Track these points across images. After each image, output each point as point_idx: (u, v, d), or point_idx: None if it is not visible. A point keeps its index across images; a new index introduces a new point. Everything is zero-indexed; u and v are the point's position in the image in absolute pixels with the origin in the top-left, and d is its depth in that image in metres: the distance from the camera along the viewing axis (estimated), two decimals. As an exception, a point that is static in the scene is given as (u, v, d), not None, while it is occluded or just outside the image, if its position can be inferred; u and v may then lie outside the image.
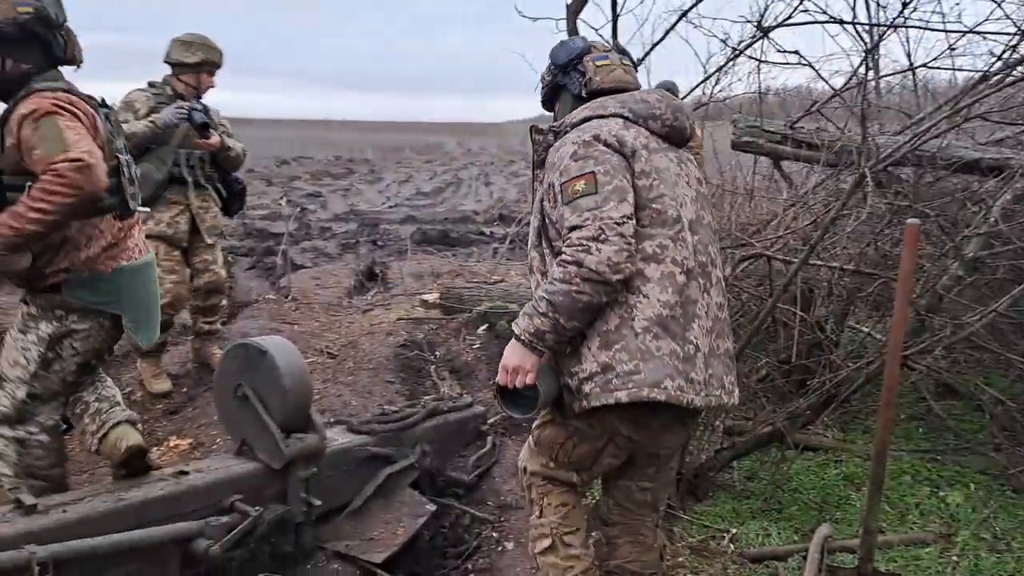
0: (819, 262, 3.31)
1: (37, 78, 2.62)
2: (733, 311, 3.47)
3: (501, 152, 31.82)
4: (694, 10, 3.35)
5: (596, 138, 2.13)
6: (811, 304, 3.51)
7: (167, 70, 4.26)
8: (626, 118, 2.20)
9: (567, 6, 3.32)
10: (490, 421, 3.88)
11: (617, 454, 2.24)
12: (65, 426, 3.08)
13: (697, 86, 3.95)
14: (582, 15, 3.39)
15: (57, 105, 2.52)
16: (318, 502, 2.92)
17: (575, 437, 2.23)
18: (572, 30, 3.30)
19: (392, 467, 3.29)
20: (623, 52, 2.44)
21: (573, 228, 2.03)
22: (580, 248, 1.99)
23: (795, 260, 2.97)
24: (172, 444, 3.86)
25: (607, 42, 2.65)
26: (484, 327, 4.77)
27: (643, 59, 3.43)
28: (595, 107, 2.24)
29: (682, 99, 5.20)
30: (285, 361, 2.91)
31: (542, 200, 2.22)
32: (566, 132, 2.23)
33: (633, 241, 2.02)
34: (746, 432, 3.38)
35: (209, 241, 4.45)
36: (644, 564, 2.38)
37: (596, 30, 3.41)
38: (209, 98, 4.33)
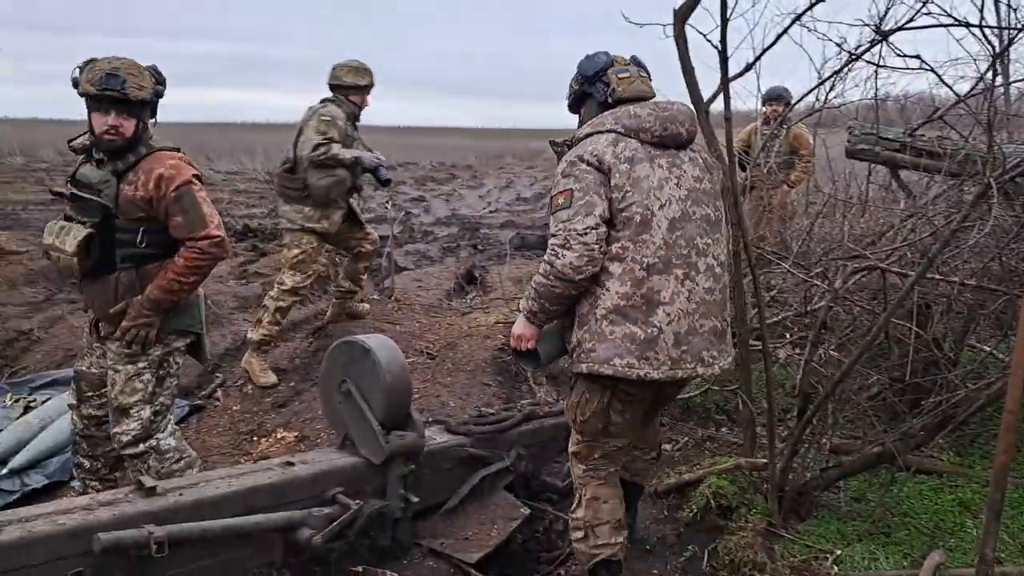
0: (938, 276, 3.14)
1: (145, 135, 3.00)
2: (843, 325, 3.34)
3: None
4: (808, 13, 3.23)
5: (580, 159, 2.53)
6: (928, 320, 3.33)
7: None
8: (618, 132, 2.56)
9: (674, 11, 3.27)
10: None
11: (622, 410, 2.67)
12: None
13: (810, 92, 3.81)
14: (690, 19, 3.33)
15: (194, 175, 2.98)
16: (415, 499, 2.97)
17: (585, 394, 2.67)
18: (680, 35, 3.25)
19: (488, 469, 3.32)
20: (640, 65, 2.77)
21: (552, 236, 2.52)
22: (552, 252, 2.49)
23: (912, 273, 2.82)
24: (279, 436, 4.02)
25: (630, 56, 2.82)
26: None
27: (753, 64, 3.33)
28: (596, 124, 2.63)
29: (794, 104, 5.05)
30: (387, 359, 2.99)
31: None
32: (574, 145, 2.64)
33: (596, 247, 2.45)
34: (854, 451, 3.24)
35: (363, 221, 5.33)
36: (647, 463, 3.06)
37: (704, 35, 3.35)
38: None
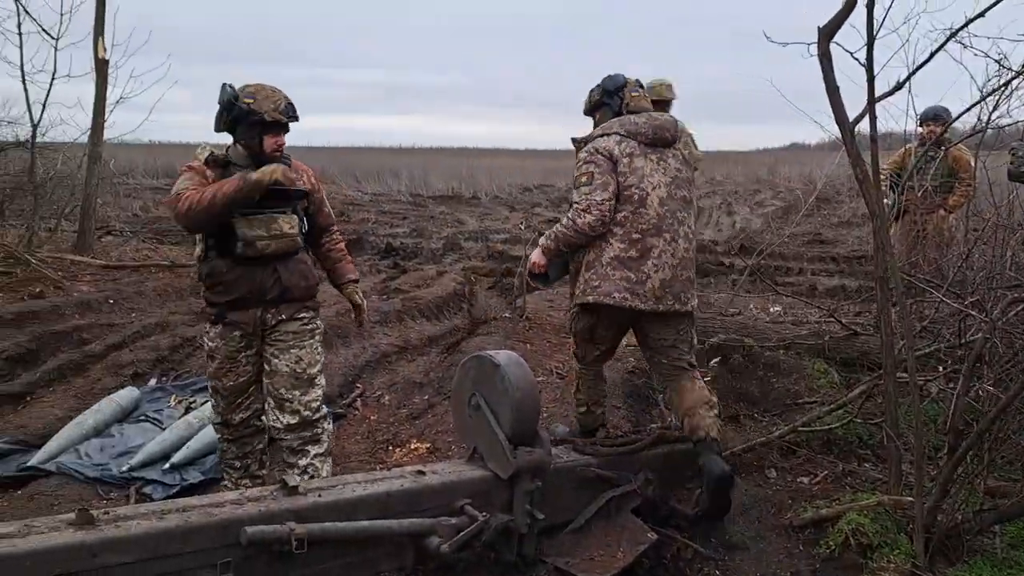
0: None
1: None
2: (1001, 359, 3.10)
3: (747, 181, 30.76)
4: (966, 29, 3.05)
5: (596, 150, 3.52)
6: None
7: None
8: (621, 135, 3.53)
9: (819, 29, 3.18)
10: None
11: (607, 328, 3.68)
12: None
13: (967, 111, 3.59)
14: (836, 37, 3.22)
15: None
16: (541, 515, 2.99)
17: (579, 316, 3.71)
18: (824, 53, 3.16)
19: (615, 490, 3.30)
20: (642, 86, 3.78)
21: (575, 203, 3.52)
22: (576, 213, 3.47)
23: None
24: (412, 446, 4.15)
25: (635, 79, 3.76)
26: (716, 359, 4.64)
27: (904, 83, 3.18)
28: (605, 127, 3.58)
29: (949, 124, 4.77)
30: (516, 375, 3.04)
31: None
32: (589, 142, 3.59)
33: (608, 214, 3.44)
34: (1012, 494, 3.00)
35: None
36: (693, 400, 3.53)
37: (851, 53, 3.23)
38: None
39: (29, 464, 3.95)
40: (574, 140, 3.72)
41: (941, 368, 3.93)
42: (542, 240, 3.68)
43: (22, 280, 7.15)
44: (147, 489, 3.79)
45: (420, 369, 5.26)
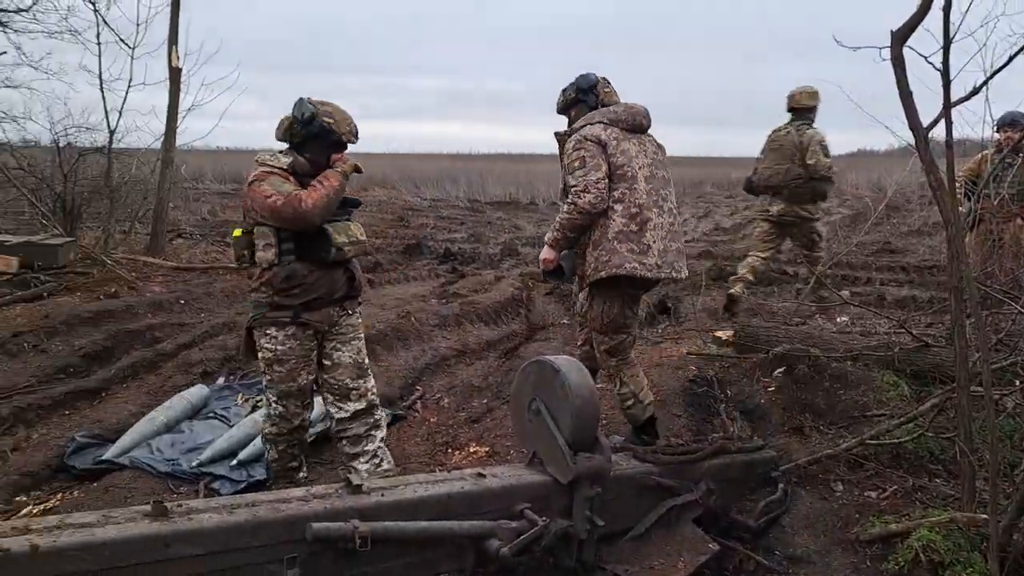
0: None
1: None
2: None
3: (809, 189, 30.21)
4: (1050, 31, 2.94)
5: (585, 138, 3.80)
6: None
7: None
8: (604, 123, 3.86)
9: (892, 33, 3.10)
10: (783, 468, 3.69)
11: (631, 306, 3.98)
12: None
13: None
14: (909, 41, 3.14)
15: None
16: (601, 522, 2.98)
17: (606, 303, 3.90)
18: (897, 57, 3.08)
19: (675, 499, 3.26)
20: (609, 83, 4.07)
21: (573, 185, 3.75)
22: (576, 196, 3.72)
23: None
24: (471, 450, 4.18)
25: (601, 76, 4.08)
26: (781, 369, 4.56)
27: (980, 88, 3.08)
28: (587, 119, 3.92)
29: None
30: (576, 381, 3.03)
31: (564, 172, 3.93)
32: (572, 134, 3.89)
33: (604, 192, 3.72)
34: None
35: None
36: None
37: (925, 57, 3.15)
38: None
39: (104, 457, 4.10)
40: (557, 134, 4.06)
41: (1018, 382, 3.78)
42: (548, 236, 3.91)
43: (98, 280, 7.44)
44: (215, 484, 3.90)
45: (479, 373, 5.29)
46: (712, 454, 3.46)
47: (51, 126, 9.50)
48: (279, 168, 3.37)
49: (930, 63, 3.08)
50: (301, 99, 3.38)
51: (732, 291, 6.80)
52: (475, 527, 2.76)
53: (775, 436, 4.12)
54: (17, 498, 3.83)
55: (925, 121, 3.11)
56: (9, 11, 8.28)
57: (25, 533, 2.16)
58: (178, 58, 9.11)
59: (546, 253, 3.92)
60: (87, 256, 8.13)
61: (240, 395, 4.96)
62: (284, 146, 3.50)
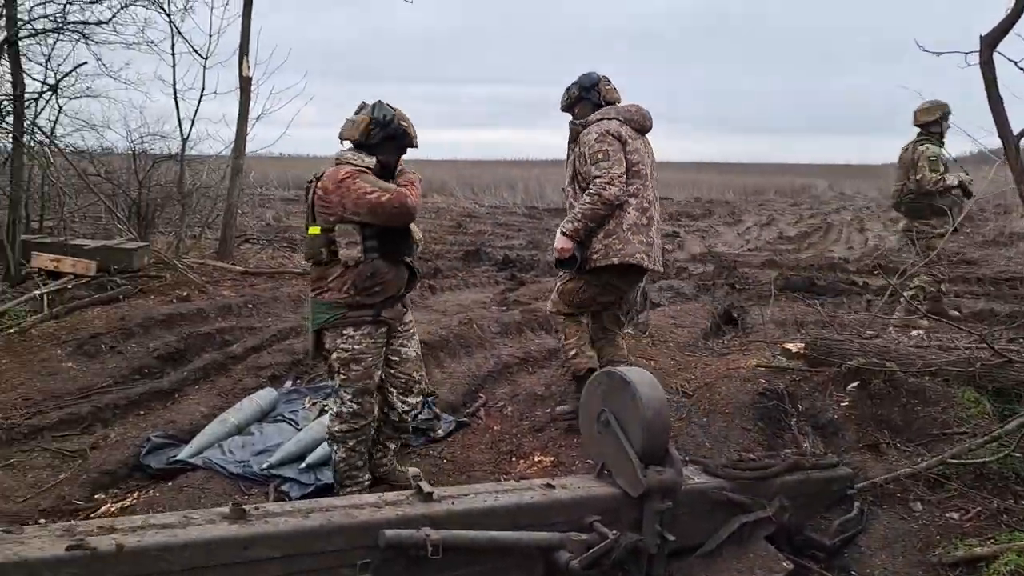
0: None
1: None
2: None
3: (880, 196, 29.32)
4: None
5: (607, 132, 4.07)
6: None
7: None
8: (620, 120, 4.16)
9: (981, 38, 3.00)
10: (859, 486, 3.58)
11: (606, 296, 4.31)
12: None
13: None
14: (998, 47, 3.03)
15: None
16: (671, 537, 2.93)
17: (584, 287, 4.26)
18: (987, 62, 2.98)
19: (748, 516, 3.19)
20: (609, 80, 4.32)
21: (596, 177, 4.02)
22: (600, 187, 4.00)
23: None
24: (536, 459, 4.15)
25: (602, 75, 4.37)
26: (855, 384, 4.42)
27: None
28: (602, 112, 4.20)
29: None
30: (647, 393, 3.00)
31: (575, 160, 4.21)
32: (587, 125, 4.16)
33: (624, 186, 4.04)
34: None
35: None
36: (620, 356, 4.45)
37: (1016, 63, 3.03)
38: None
39: (178, 457, 4.20)
40: (572, 123, 4.29)
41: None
42: (567, 227, 4.11)
43: (171, 284, 7.65)
44: (285, 487, 3.96)
45: (541, 382, 5.26)
46: (786, 470, 3.38)
47: (127, 134, 9.83)
48: (367, 167, 3.43)
49: (1021, 69, 2.97)
50: (380, 102, 3.48)
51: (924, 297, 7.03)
52: (545, 538, 2.74)
53: (849, 453, 4.00)
54: (97, 495, 3.95)
55: (1016, 127, 3.00)
56: (91, 23, 8.58)
57: (111, 532, 2.22)
58: (249, 68, 9.33)
59: (564, 243, 4.12)
60: (160, 260, 8.37)
61: (307, 399, 5.04)
62: (346, 146, 3.57)
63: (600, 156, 4.01)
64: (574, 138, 4.25)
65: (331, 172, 3.44)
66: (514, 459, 4.24)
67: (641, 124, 4.23)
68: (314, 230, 3.45)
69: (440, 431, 4.61)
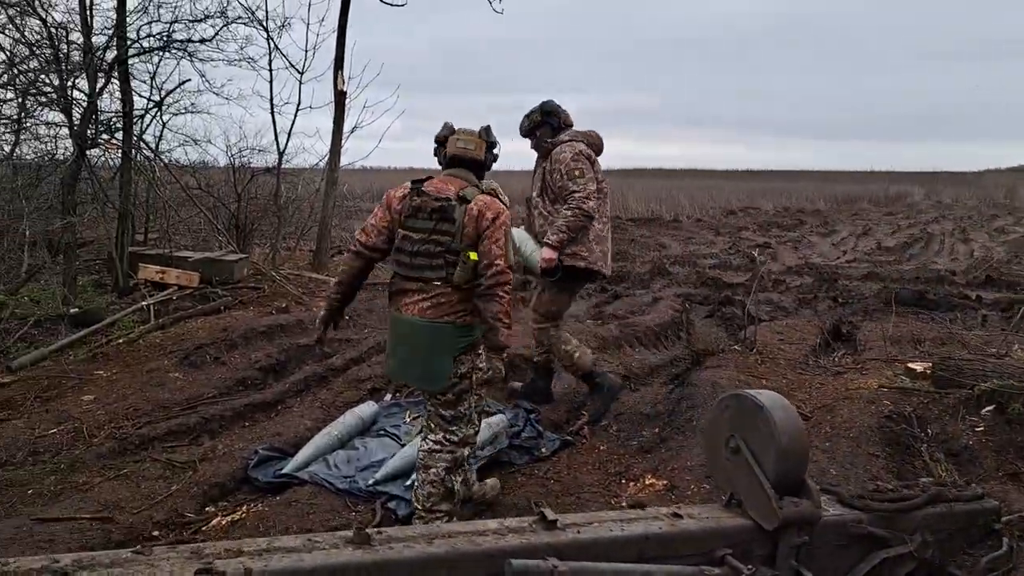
0: None
1: None
2: None
3: (981, 204, 27.96)
4: None
5: (580, 152, 4.68)
6: None
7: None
8: (585, 143, 4.78)
9: None
10: (1005, 519, 3.29)
11: (571, 300, 5.09)
12: None
13: None
14: None
15: None
16: (808, 573, 2.73)
17: (558, 294, 4.88)
18: None
19: (888, 551, 2.96)
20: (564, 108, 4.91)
21: (576, 192, 4.60)
22: (582, 201, 4.59)
23: None
24: (648, 482, 3.99)
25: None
26: (990, 407, 4.11)
27: None
28: (571, 135, 4.81)
29: None
30: (782, 418, 2.80)
31: (545, 175, 4.78)
32: (559, 144, 4.74)
33: (596, 200, 4.68)
34: None
35: None
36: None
37: None
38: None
39: (284, 471, 4.20)
40: (543, 142, 4.82)
41: None
42: (553, 239, 4.61)
43: (269, 295, 7.79)
44: (391, 504, 3.90)
45: (646, 400, 5.09)
46: (928, 502, 3.12)
47: (227, 148, 10.12)
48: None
49: None
50: (487, 127, 3.41)
51: None
52: (675, 571, 2.58)
53: (987, 482, 3.70)
54: (207, 508, 3.98)
55: None
56: (195, 42, 8.88)
57: (238, 556, 2.17)
58: (343, 81, 9.47)
59: (551, 253, 4.64)
60: (258, 271, 8.54)
61: (408, 412, 4.99)
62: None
63: (577, 173, 4.61)
64: (544, 155, 4.84)
65: (488, 202, 3.29)
66: (624, 481, 4.08)
67: (599, 147, 4.90)
68: (474, 256, 3.25)
69: (544, 449, 4.49)
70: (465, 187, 3.32)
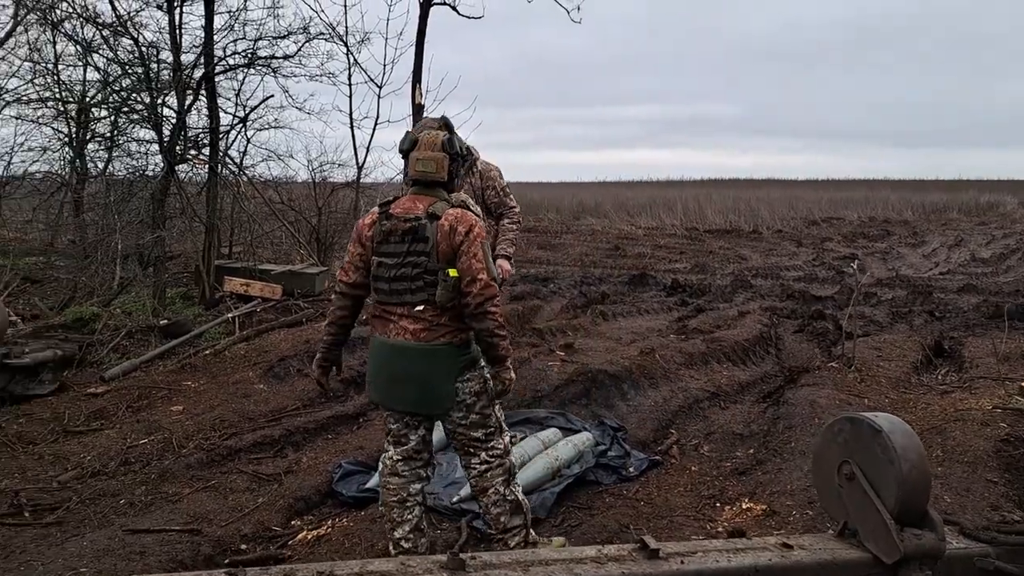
0: None
1: None
2: None
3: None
4: None
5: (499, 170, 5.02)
6: None
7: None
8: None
9: None
10: None
11: None
12: None
13: None
14: None
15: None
16: (933, 612, 2.51)
17: None
18: None
19: (1021, 591, 2.70)
20: None
21: (513, 207, 4.95)
22: (520, 215, 5.01)
23: None
24: (744, 506, 3.78)
25: None
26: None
27: None
28: (475, 151, 4.63)
29: None
30: (903, 445, 2.60)
31: (476, 191, 4.85)
32: (476, 159, 4.80)
33: None
34: None
35: None
36: None
37: None
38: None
39: (369, 486, 4.14)
40: (464, 153, 3.91)
41: None
42: (511, 249, 4.87)
43: (349, 308, 7.82)
44: (476, 523, 3.80)
45: (738, 419, 4.88)
46: (1064, 538, 2.85)
47: (308, 163, 10.28)
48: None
49: None
50: (450, 130, 3.23)
51: None
52: (791, 608, 2.40)
53: None
54: (293, 521, 3.96)
55: None
56: (278, 58, 9.06)
57: (331, 579, 2.10)
58: (421, 95, 9.52)
59: (509, 265, 4.85)
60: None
61: (490, 429, 4.89)
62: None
63: (508, 190, 4.92)
64: (468, 169, 4.85)
65: (459, 215, 3.07)
66: (718, 504, 3.88)
67: None
68: (453, 272, 3.04)
69: (632, 469, 4.31)
70: (434, 202, 3.10)
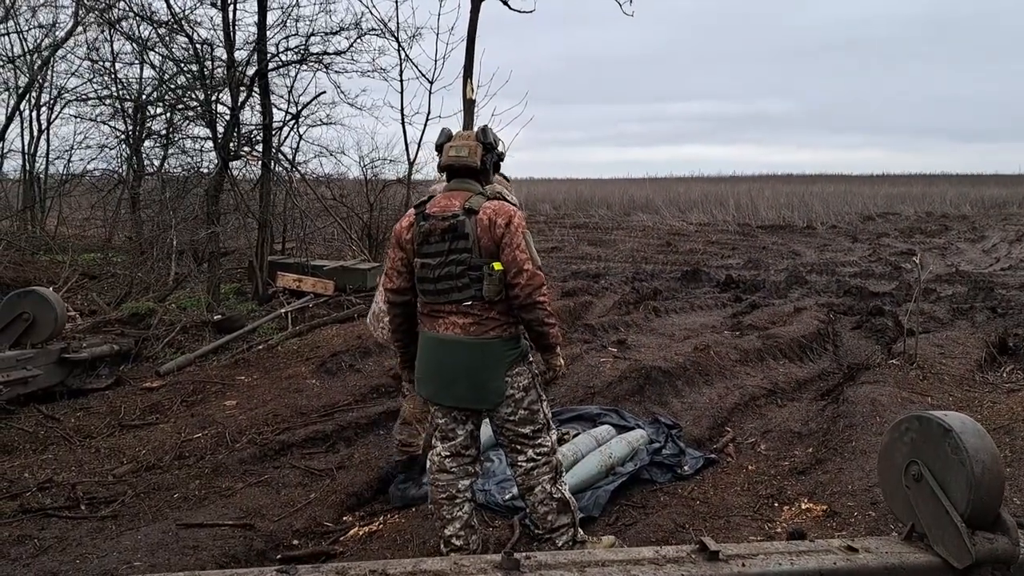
0: None
1: None
2: None
3: None
4: None
5: None
6: None
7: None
8: None
9: None
10: None
11: None
12: None
13: None
14: None
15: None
16: (1007, 621, 2.40)
17: None
18: None
19: (1101, 600, 2.57)
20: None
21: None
22: None
23: None
24: (804, 506, 3.68)
25: None
26: None
27: None
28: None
29: None
30: (974, 445, 2.49)
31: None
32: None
33: None
34: None
35: None
36: None
37: None
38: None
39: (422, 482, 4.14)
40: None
41: None
42: None
43: (399, 303, 7.86)
44: (528, 521, 3.76)
45: (796, 417, 4.76)
46: None
47: (360, 159, 10.36)
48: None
49: None
50: (487, 127, 3.26)
51: None
52: (853, 614, 2.32)
53: None
54: (344, 517, 3.97)
55: None
56: (330, 54, 9.13)
57: None
58: (473, 90, 9.49)
59: None
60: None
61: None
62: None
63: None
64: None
65: (496, 207, 3.04)
66: (777, 505, 3.79)
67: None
68: (498, 266, 3.00)
69: (687, 467, 4.24)
70: (470, 197, 3.05)
